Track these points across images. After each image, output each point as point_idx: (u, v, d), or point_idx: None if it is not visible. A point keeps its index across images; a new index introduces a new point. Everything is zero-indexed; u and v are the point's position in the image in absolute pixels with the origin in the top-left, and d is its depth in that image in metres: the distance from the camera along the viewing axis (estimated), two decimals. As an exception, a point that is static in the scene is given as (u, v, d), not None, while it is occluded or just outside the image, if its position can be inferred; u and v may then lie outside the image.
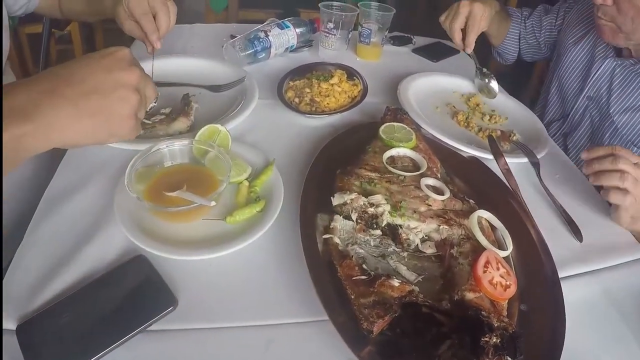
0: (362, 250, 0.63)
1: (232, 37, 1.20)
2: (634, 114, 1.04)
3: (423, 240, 0.66)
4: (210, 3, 2.60)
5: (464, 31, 1.14)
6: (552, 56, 1.35)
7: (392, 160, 0.78)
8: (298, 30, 1.22)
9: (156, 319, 0.54)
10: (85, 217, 0.67)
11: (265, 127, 0.93)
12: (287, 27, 1.20)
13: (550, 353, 0.55)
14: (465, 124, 1.05)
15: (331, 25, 1.21)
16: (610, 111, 1.08)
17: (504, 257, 0.62)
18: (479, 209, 0.70)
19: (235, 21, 2.60)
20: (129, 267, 0.60)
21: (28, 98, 0.47)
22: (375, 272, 0.59)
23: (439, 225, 0.67)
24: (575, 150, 1.18)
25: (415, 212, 0.68)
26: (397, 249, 0.64)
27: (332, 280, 0.58)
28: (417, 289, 0.56)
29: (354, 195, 0.68)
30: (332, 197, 0.69)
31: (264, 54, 1.17)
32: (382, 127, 0.84)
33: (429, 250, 0.65)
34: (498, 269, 0.58)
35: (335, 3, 1.22)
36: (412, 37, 1.46)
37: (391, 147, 0.80)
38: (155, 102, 0.73)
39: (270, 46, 1.16)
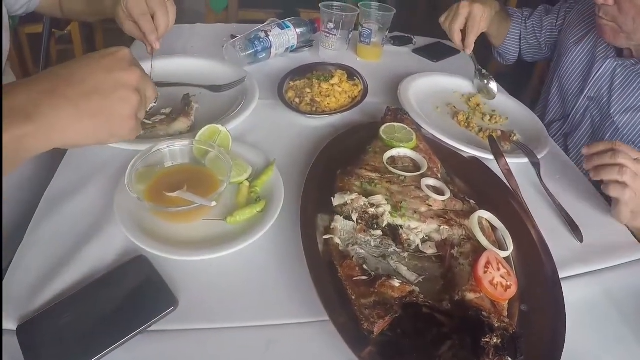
0: (362, 251, 0.62)
1: (233, 37, 1.20)
2: (634, 114, 1.04)
3: (424, 241, 0.66)
4: (210, 3, 2.60)
5: (463, 32, 1.14)
6: (552, 56, 1.35)
7: (393, 160, 0.78)
8: (298, 30, 1.22)
9: (157, 320, 0.54)
10: (86, 217, 0.67)
11: (266, 128, 0.93)
12: (288, 27, 1.20)
13: (550, 353, 0.55)
14: (466, 124, 1.05)
15: (331, 25, 1.21)
16: (611, 111, 1.08)
17: (504, 258, 0.63)
18: (480, 209, 0.70)
19: (236, 21, 2.60)
20: (130, 267, 0.60)
21: (28, 98, 0.47)
22: (376, 272, 0.59)
23: (440, 226, 0.67)
24: (576, 151, 1.17)
25: (415, 212, 0.68)
26: (397, 250, 0.64)
27: (333, 280, 0.58)
28: (417, 289, 0.56)
29: (354, 196, 0.68)
30: (332, 198, 0.69)
31: (264, 54, 1.17)
32: (383, 127, 0.84)
33: (430, 250, 0.65)
34: (499, 269, 0.58)
35: (335, 3, 1.22)
36: (412, 37, 1.46)
37: (392, 147, 0.79)
38: (155, 103, 0.73)
39: (270, 46, 1.16)
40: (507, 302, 0.58)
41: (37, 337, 0.51)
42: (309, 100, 1.01)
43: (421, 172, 0.75)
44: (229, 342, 0.55)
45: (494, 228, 0.69)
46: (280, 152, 0.83)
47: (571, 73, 1.20)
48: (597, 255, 0.74)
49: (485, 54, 1.47)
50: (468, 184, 0.82)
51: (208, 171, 0.71)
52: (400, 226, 0.67)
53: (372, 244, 0.64)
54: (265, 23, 1.21)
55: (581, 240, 0.76)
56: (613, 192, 0.76)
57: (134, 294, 0.57)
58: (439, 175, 0.79)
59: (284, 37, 1.19)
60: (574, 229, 0.78)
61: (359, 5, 1.23)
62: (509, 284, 0.58)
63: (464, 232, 0.67)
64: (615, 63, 1.09)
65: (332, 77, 1.06)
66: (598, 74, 1.12)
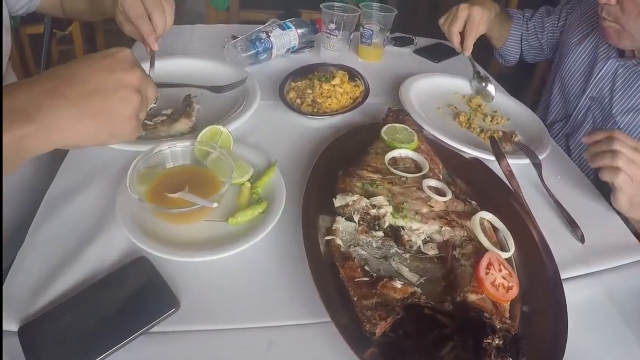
0: (364, 252, 0.62)
1: (234, 37, 1.20)
2: (636, 115, 1.04)
3: (425, 242, 0.66)
4: (210, 1, 2.60)
5: (462, 34, 1.14)
6: (554, 57, 1.35)
7: (394, 161, 0.78)
8: (299, 31, 1.22)
9: (158, 321, 0.54)
10: (87, 218, 0.67)
11: (267, 128, 0.93)
12: (289, 27, 1.20)
13: (552, 354, 0.55)
14: (467, 125, 1.05)
15: (333, 26, 1.21)
16: (613, 112, 1.07)
17: (506, 259, 0.63)
18: (481, 210, 0.70)
19: (237, 22, 2.60)
20: (131, 268, 0.60)
21: (29, 98, 0.47)
22: (378, 273, 0.59)
23: (441, 227, 0.67)
24: (578, 151, 1.17)
25: (417, 213, 0.68)
26: (399, 251, 0.64)
27: (334, 281, 0.58)
28: (419, 290, 0.56)
29: (356, 197, 0.67)
30: (334, 199, 0.68)
31: (265, 55, 1.17)
32: (384, 128, 0.83)
33: (431, 251, 0.65)
34: (500, 270, 0.58)
35: (336, 4, 1.22)
36: (413, 38, 1.46)
37: (393, 148, 0.79)
38: (155, 103, 0.73)
39: (271, 47, 1.16)
40: (508, 303, 0.58)
41: (38, 339, 0.51)
42: (310, 101, 1.01)
43: (423, 173, 0.75)
44: (230, 344, 0.55)
45: (495, 229, 0.69)
46: (281, 153, 0.83)
47: (573, 73, 1.20)
48: (599, 256, 0.74)
49: (486, 55, 1.47)
50: (469, 184, 0.82)
51: (209, 172, 0.71)
52: (402, 227, 0.67)
53: (374, 245, 0.64)
54: (267, 24, 1.21)
55: (582, 241, 0.76)
56: (606, 176, 0.76)
57: (135, 295, 0.57)
58: (441, 176, 0.79)
59: (285, 37, 1.19)
60: (576, 230, 0.78)
61: (360, 5, 1.23)
62: (510, 285, 0.58)
63: (465, 233, 0.67)
64: (617, 63, 1.09)
65: (334, 77, 1.06)
66: (600, 75, 1.11)
